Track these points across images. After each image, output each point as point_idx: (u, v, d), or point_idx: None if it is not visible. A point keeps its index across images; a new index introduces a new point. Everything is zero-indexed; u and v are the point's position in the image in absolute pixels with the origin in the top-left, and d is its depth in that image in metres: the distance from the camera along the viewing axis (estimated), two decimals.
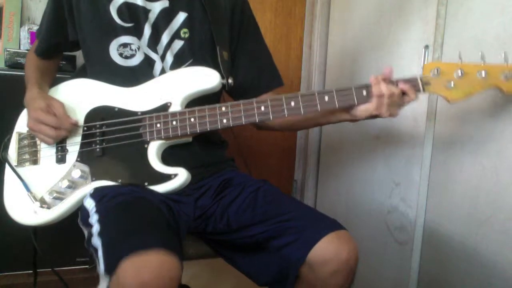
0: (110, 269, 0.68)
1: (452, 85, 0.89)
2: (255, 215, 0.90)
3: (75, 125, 0.94)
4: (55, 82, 1.04)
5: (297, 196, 2.04)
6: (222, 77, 0.97)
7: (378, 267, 1.41)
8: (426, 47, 1.18)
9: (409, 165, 1.28)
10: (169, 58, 0.98)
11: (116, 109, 0.95)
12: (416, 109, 1.23)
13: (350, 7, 1.68)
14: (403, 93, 0.88)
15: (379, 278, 1.41)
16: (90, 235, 0.81)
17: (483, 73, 0.87)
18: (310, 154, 1.96)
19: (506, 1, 0.96)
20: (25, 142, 0.96)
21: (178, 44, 0.99)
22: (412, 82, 0.89)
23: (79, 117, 0.96)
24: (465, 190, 1.08)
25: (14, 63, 1.34)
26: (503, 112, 0.97)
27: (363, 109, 0.89)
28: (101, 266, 0.72)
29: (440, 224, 1.17)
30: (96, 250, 0.77)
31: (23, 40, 1.49)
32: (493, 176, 1.00)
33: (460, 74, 0.88)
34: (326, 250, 0.80)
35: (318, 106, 0.90)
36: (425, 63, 1.18)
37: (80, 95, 0.98)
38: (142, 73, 0.96)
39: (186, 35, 0.99)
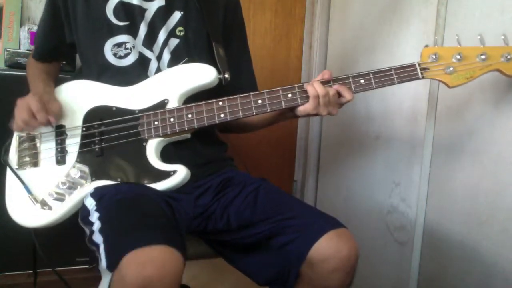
0: (113, 265, 0.68)
1: (452, 70, 0.87)
2: (255, 214, 0.90)
3: (49, 123, 0.93)
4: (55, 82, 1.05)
5: (297, 196, 2.04)
6: (219, 72, 0.98)
7: (378, 267, 1.41)
8: (426, 47, 1.18)
9: (409, 165, 1.27)
10: (166, 56, 0.99)
11: (114, 109, 0.96)
12: (416, 109, 1.24)
13: (350, 7, 1.68)
14: (339, 94, 0.91)
15: (379, 278, 1.41)
16: (91, 232, 0.81)
17: (482, 56, 0.85)
18: (310, 154, 1.96)
19: (506, 1, 0.97)
20: (25, 144, 0.96)
21: (174, 42, 1.00)
22: (346, 83, 0.91)
23: (78, 117, 0.96)
24: (465, 190, 1.08)
25: (14, 63, 1.34)
26: (503, 112, 0.97)
27: (302, 109, 0.92)
28: (103, 262, 0.72)
29: (440, 224, 1.17)
30: (97, 246, 0.77)
31: (23, 40, 1.49)
32: (493, 176, 1.00)
33: (459, 58, 0.86)
34: (326, 247, 0.80)
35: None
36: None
37: (79, 96, 0.98)
38: (136, 72, 0.97)
39: (181, 33, 1.01)
